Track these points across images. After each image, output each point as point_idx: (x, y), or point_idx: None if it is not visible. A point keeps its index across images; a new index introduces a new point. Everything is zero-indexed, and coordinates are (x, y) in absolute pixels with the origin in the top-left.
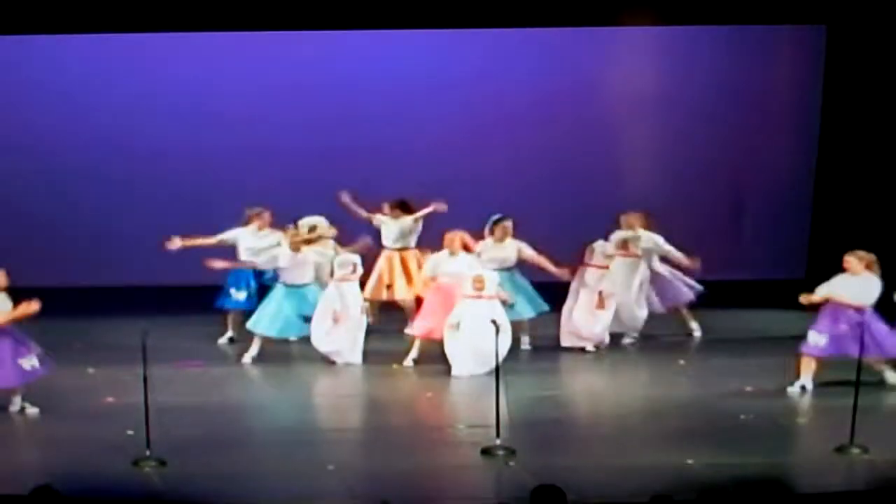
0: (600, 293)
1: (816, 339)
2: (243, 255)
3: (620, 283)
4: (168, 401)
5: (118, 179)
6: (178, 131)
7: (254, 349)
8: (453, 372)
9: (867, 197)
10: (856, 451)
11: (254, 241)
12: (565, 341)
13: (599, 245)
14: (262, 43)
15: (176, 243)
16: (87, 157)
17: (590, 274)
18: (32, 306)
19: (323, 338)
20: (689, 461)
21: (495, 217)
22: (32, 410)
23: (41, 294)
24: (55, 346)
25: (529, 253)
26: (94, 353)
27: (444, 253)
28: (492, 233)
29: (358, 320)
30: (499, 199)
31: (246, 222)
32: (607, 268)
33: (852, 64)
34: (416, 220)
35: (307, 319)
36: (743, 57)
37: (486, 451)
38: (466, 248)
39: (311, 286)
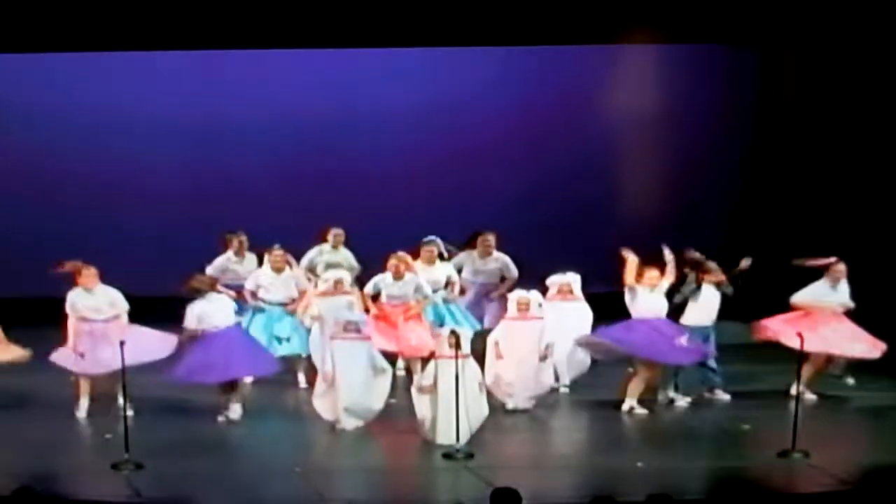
0: (548, 346)
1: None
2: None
3: (567, 327)
4: (145, 406)
5: (95, 193)
6: (155, 148)
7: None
8: (439, 440)
9: (795, 212)
10: (797, 455)
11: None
12: (519, 401)
13: (533, 295)
14: (246, 62)
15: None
16: (59, 171)
17: (529, 328)
18: None
19: (319, 400)
20: (640, 464)
21: (425, 240)
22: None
23: (21, 304)
24: (36, 352)
25: (455, 279)
26: None
27: (388, 276)
28: (418, 255)
29: (355, 384)
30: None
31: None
32: (542, 318)
33: (784, 88)
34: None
35: (280, 340)
36: (677, 76)
37: (447, 455)
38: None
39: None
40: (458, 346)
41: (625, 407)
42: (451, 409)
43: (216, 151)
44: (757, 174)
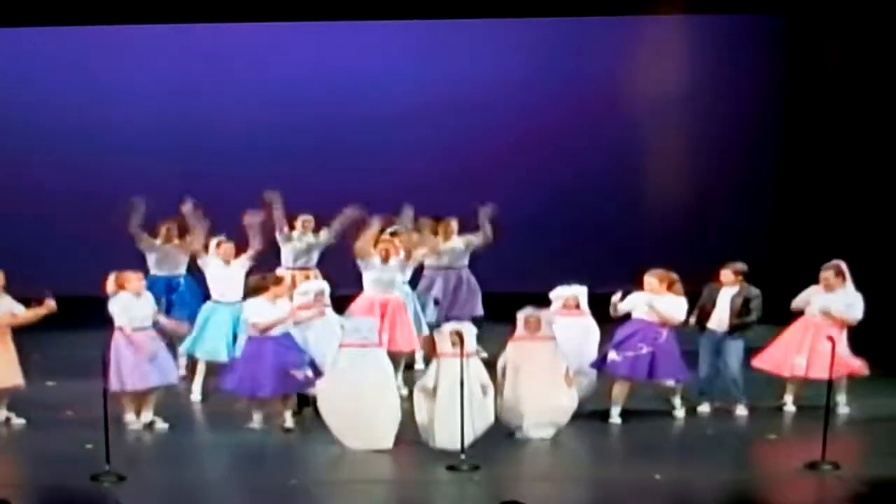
0: (568, 370)
1: (615, 357)
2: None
3: (576, 346)
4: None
5: (78, 189)
6: (134, 138)
7: (198, 378)
8: (437, 444)
9: (830, 201)
10: (827, 467)
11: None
12: (536, 430)
13: (544, 314)
14: (236, 36)
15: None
16: (50, 165)
17: (540, 349)
18: (47, 306)
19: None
20: (657, 476)
21: (391, 229)
22: (18, 421)
23: None
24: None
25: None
26: (54, 365)
27: (376, 260)
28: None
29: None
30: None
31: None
32: (554, 338)
33: (816, 57)
34: (322, 235)
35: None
36: (703, 49)
37: (452, 467)
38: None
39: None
40: (461, 343)
41: (613, 414)
42: (451, 411)
43: (202, 144)
44: (792, 160)
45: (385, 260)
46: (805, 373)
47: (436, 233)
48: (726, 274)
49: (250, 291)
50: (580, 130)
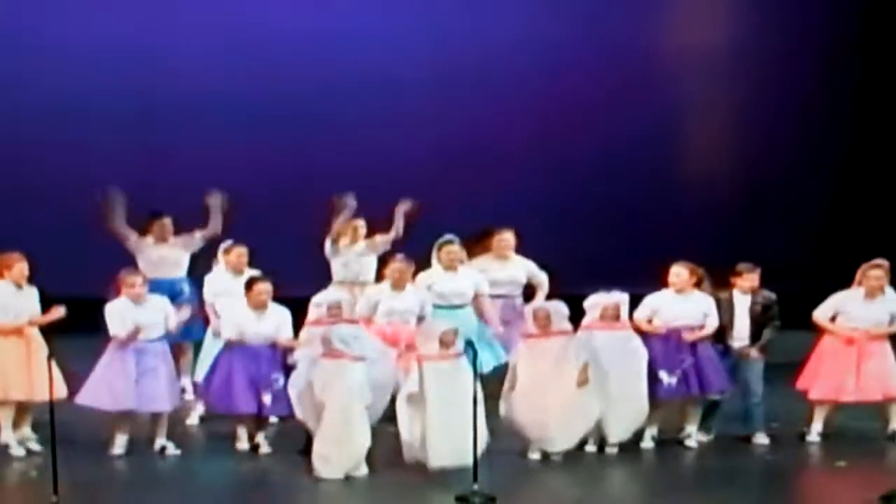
0: (585, 365)
1: (669, 379)
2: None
3: (619, 367)
4: (76, 438)
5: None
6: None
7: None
8: (431, 464)
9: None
10: None
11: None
12: (558, 443)
13: (553, 307)
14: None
15: None
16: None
17: (554, 347)
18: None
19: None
20: None
21: (443, 238)
22: (35, 447)
23: None
24: None
25: (484, 291)
26: None
27: (385, 287)
28: (438, 259)
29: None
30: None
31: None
32: (572, 332)
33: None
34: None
35: None
36: (760, 6)
37: (462, 498)
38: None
39: None
40: (453, 343)
41: (645, 437)
42: (447, 424)
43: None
44: (868, 141)
45: (397, 286)
46: (856, 396)
47: (488, 248)
48: (751, 278)
49: None
50: (611, 104)
